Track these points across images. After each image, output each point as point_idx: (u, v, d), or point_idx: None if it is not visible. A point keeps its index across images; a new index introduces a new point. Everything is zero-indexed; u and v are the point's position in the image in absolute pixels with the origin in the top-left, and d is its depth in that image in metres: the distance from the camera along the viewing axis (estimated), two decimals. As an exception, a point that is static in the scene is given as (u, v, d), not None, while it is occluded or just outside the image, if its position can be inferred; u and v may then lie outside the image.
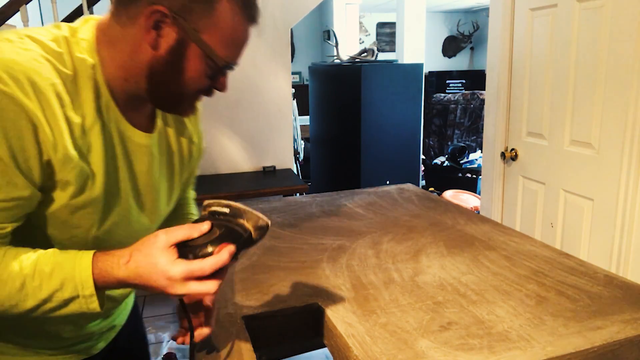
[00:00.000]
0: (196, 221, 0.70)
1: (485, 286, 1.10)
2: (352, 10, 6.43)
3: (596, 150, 1.90)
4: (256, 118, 3.25)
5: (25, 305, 0.65)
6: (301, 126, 5.10)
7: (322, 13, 7.24)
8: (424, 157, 5.64)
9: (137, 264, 0.65)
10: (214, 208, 0.71)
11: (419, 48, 5.25)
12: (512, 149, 2.39)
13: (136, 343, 1.12)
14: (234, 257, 0.67)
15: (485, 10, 7.75)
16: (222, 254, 0.66)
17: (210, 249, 0.67)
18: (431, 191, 4.71)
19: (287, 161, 3.41)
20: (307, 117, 4.81)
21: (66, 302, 0.66)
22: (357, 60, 3.82)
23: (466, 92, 6.08)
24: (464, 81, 7.78)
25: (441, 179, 5.06)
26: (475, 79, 7.65)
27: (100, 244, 0.76)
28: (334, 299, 1.06)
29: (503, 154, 2.44)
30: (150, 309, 2.77)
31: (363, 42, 7.88)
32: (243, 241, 0.69)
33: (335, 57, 4.18)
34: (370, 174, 3.63)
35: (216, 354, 0.89)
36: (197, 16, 0.67)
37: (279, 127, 3.32)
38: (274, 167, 3.34)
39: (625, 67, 1.73)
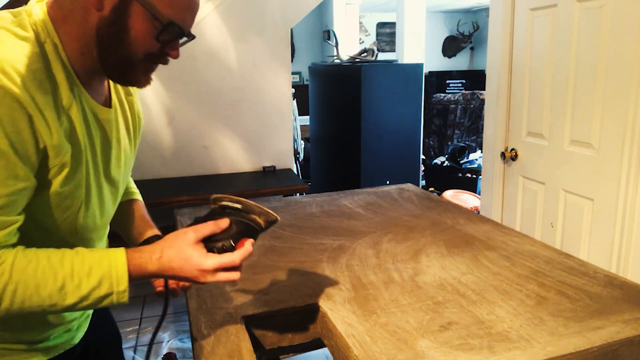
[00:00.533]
0: (212, 217, 0.77)
1: (485, 286, 1.10)
2: (352, 10, 6.43)
3: (596, 150, 1.90)
4: (256, 118, 3.25)
5: (64, 304, 0.68)
6: (301, 126, 5.10)
7: (322, 13, 7.24)
8: (424, 157, 5.64)
9: (170, 258, 0.73)
10: (225, 202, 0.78)
11: (419, 48, 5.25)
12: (512, 149, 2.39)
13: (108, 327, 1.13)
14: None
15: (485, 10, 7.75)
16: (247, 247, 0.76)
17: (232, 243, 0.76)
18: (431, 191, 4.71)
19: (287, 161, 3.41)
20: (307, 117, 4.81)
21: (101, 299, 0.70)
22: (357, 60, 3.82)
23: (466, 92, 6.08)
24: (464, 81, 7.78)
25: (441, 179, 5.06)
26: (475, 79, 7.65)
27: (85, 226, 0.81)
28: (334, 299, 1.06)
29: (503, 154, 2.44)
30: (150, 309, 2.77)
31: (363, 42, 7.88)
32: (256, 233, 0.77)
33: (335, 57, 4.18)
34: (370, 174, 3.63)
35: (217, 354, 0.89)
36: None
37: (279, 127, 3.32)
38: (274, 167, 3.34)
39: (625, 67, 1.73)
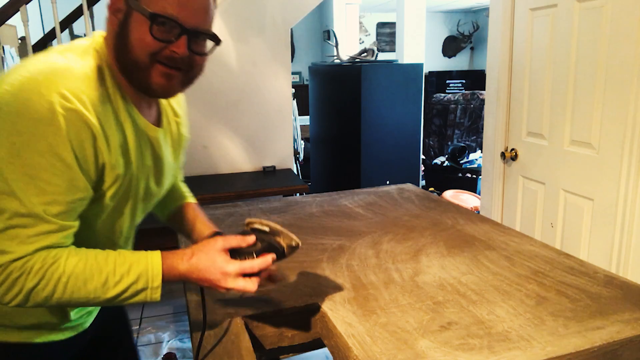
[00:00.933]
0: (243, 234, 0.86)
1: (485, 286, 1.10)
2: (352, 10, 6.43)
3: (596, 150, 1.90)
4: (256, 118, 3.25)
5: (105, 297, 0.77)
6: (301, 126, 5.10)
7: (322, 13, 7.24)
8: (424, 157, 5.64)
9: (199, 259, 0.82)
10: (256, 226, 0.88)
11: (419, 48, 5.24)
12: (512, 149, 2.39)
13: (116, 311, 1.18)
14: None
15: (485, 10, 7.75)
16: (267, 258, 0.84)
17: (254, 255, 0.85)
18: (431, 191, 4.71)
19: (287, 161, 3.41)
20: (307, 117, 4.81)
21: (137, 293, 0.79)
22: (357, 60, 3.82)
23: (466, 92, 6.07)
24: (464, 81, 7.78)
25: (441, 179, 5.06)
26: (475, 79, 7.65)
27: (115, 232, 0.92)
28: (334, 299, 1.06)
29: (503, 154, 2.44)
30: (150, 309, 2.77)
31: (363, 42, 7.88)
32: (278, 254, 0.86)
33: (335, 57, 4.17)
34: (370, 174, 3.63)
35: (217, 354, 0.89)
36: None
37: (279, 127, 3.32)
38: (274, 167, 3.34)
39: (625, 67, 1.73)
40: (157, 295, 0.80)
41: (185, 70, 0.82)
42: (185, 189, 1.19)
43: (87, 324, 1.03)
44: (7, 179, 0.70)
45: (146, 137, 0.88)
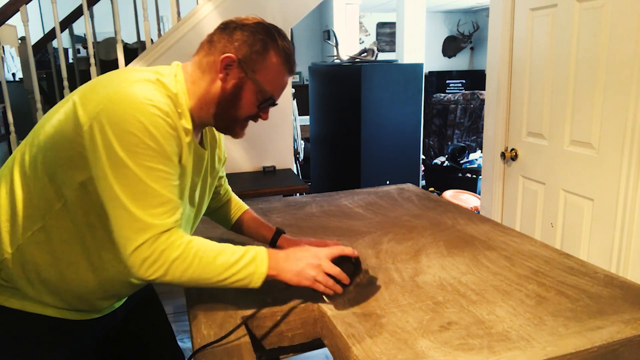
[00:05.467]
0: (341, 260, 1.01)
1: (485, 286, 1.10)
2: (352, 10, 6.42)
3: (596, 150, 1.90)
4: (256, 118, 3.24)
5: (219, 278, 0.91)
6: (301, 126, 5.10)
7: (322, 13, 7.24)
8: (424, 157, 5.64)
9: (299, 248, 1.01)
10: (353, 258, 1.03)
11: (419, 48, 5.24)
12: (512, 149, 2.39)
13: (144, 291, 1.28)
14: (344, 286, 0.99)
15: (485, 10, 7.75)
16: (344, 275, 0.98)
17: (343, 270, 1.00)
18: (431, 191, 4.71)
19: (287, 161, 3.41)
20: (307, 117, 4.81)
21: (247, 277, 0.92)
22: (357, 60, 3.82)
23: (466, 92, 6.07)
24: (464, 81, 7.78)
25: (441, 179, 5.06)
26: (475, 79, 7.64)
27: None
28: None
29: (503, 154, 2.44)
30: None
31: (363, 42, 7.88)
32: (352, 281, 1.01)
33: (335, 57, 4.17)
34: (370, 174, 3.63)
35: (216, 354, 0.89)
36: (254, 62, 0.97)
37: (279, 127, 3.32)
38: (274, 167, 3.34)
39: (625, 67, 1.73)
40: (261, 279, 0.93)
41: None
42: (238, 199, 1.37)
43: (116, 306, 1.13)
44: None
45: (196, 155, 1.03)
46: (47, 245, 0.93)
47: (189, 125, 0.97)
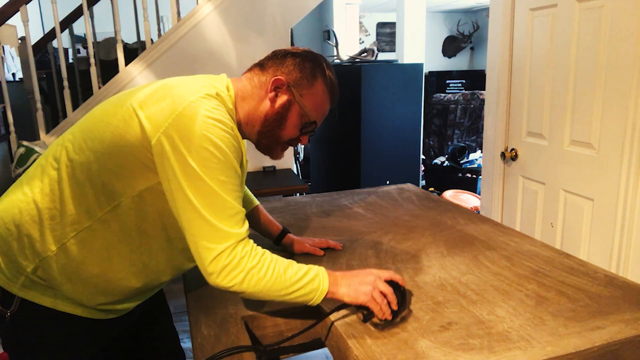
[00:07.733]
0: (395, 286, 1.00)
1: (485, 286, 1.10)
2: (352, 10, 6.42)
3: (596, 150, 1.90)
4: (256, 118, 3.24)
5: (285, 292, 0.91)
6: (301, 126, 5.07)
7: (322, 13, 7.24)
8: (424, 157, 5.64)
9: (357, 271, 1.01)
10: (402, 287, 1.01)
11: (419, 48, 5.24)
12: (512, 149, 2.39)
13: (159, 298, 1.32)
14: (394, 313, 0.96)
15: (485, 10, 7.75)
16: (394, 297, 0.96)
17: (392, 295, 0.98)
18: (431, 191, 4.71)
19: (287, 161, 3.41)
20: (307, 117, 4.79)
21: (310, 293, 0.93)
22: (357, 60, 3.82)
23: (466, 92, 6.07)
24: (464, 81, 7.77)
25: (441, 179, 5.06)
26: (475, 79, 7.64)
27: None
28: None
29: (503, 154, 2.44)
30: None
31: (363, 42, 7.88)
32: (398, 309, 0.96)
33: (335, 57, 4.17)
34: (370, 174, 3.63)
35: (217, 354, 0.89)
36: (302, 87, 1.03)
37: (279, 127, 3.31)
38: (274, 167, 3.34)
39: (625, 67, 1.73)
40: (323, 295, 0.94)
41: None
42: (250, 193, 1.39)
43: (134, 305, 1.13)
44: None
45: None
46: (92, 245, 0.95)
47: (240, 137, 1.00)
